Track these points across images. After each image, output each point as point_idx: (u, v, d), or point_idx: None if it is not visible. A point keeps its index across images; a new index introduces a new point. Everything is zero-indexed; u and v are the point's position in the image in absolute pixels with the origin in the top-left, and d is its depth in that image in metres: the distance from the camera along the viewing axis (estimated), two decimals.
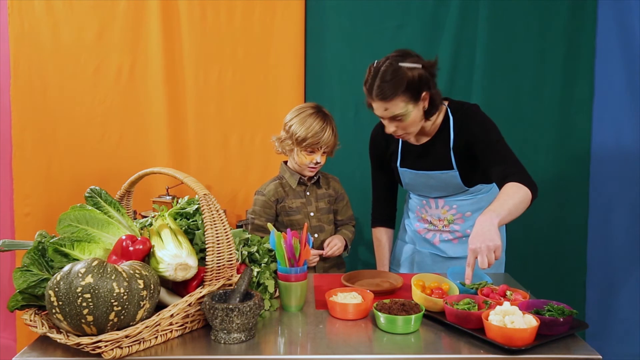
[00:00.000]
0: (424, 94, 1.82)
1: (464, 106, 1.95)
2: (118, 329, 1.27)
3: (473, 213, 2.01)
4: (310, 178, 2.18)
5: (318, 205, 2.18)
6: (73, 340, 1.26)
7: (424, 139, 1.99)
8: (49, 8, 2.74)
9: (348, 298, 1.56)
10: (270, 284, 1.57)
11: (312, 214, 2.16)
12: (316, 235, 2.15)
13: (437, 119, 1.95)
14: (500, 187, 1.74)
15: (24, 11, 2.74)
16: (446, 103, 1.97)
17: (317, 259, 2.14)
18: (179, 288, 1.46)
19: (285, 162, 2.20)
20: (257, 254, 1.63)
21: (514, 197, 1.66)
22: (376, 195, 2.20)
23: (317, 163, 2.09)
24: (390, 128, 1.88)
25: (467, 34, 2.73)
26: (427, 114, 1.88)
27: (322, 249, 2.14)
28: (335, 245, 2.14)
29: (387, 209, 2.20)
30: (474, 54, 2.74)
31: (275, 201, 2.14)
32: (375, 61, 1.83)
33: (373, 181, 2.20)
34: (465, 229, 2.02)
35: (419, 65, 1.79)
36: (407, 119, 1.84)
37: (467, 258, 1.56)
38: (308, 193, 2.17)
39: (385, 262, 2.18)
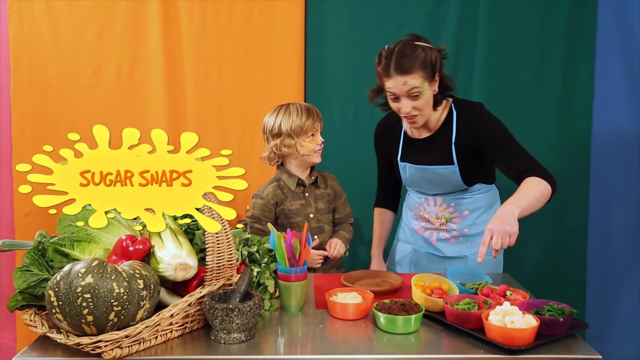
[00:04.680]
0: (437, 75, 1.86)
1: (468, 104, 1.97)
2: (118, 329, 1.27)
3: (471, 212, 2.01)
4: (311, 170, 2.16)
5: (317, 205, 2.17)
6: (73, 340, 1.26)
7: (426, 134, 2.00)
8: (49, 8, 2.73)
9: (348, 298, 1.57)
10: (270, 284, 1.57)
11: (311, 215, 2.14)
12: (316, 236, 2.14)
13: (441, 115, 1.96)
14: (518, 183, 1.76)
15: (24, 11, 2.74)
16: (450, 100, 1.98)
17: (322, 259, 2.12)
18: (179, 288, 1.46)
19: (282, 164, 2.17)
20: (257, 254, 1.63)
21: (534, 190, 1.69)
22: (381, 180, 2.24)
23: (322, 142, 2.11)
24: (406, 107, 1.86)
25: (467, 34, 2.72)
26: (436, 102, 1.91)
27: (323, 250, 2.13)
28: (337, 243, 2.13)
29: (391, 192, 2.24)
30: (474, 54, 2.73)
31: (275, 204, 2.11)
32: (387, 46, 1.86)
33: (378, 168, 2.23)
34: (463, 228, 2.02)
35: (434, 46, 1.86)
36: (423, 96, 1.85)
37: (482, 237, 1.56)
38: (307, 194, 2.15)
39: (381, 241, 2.21)
